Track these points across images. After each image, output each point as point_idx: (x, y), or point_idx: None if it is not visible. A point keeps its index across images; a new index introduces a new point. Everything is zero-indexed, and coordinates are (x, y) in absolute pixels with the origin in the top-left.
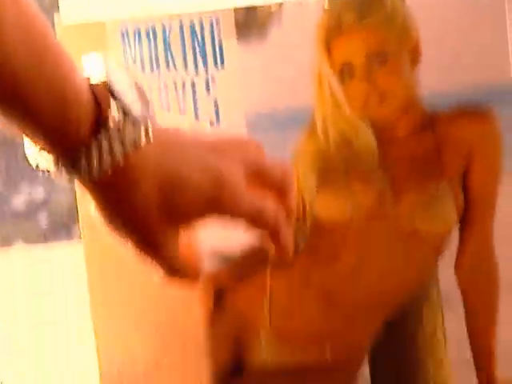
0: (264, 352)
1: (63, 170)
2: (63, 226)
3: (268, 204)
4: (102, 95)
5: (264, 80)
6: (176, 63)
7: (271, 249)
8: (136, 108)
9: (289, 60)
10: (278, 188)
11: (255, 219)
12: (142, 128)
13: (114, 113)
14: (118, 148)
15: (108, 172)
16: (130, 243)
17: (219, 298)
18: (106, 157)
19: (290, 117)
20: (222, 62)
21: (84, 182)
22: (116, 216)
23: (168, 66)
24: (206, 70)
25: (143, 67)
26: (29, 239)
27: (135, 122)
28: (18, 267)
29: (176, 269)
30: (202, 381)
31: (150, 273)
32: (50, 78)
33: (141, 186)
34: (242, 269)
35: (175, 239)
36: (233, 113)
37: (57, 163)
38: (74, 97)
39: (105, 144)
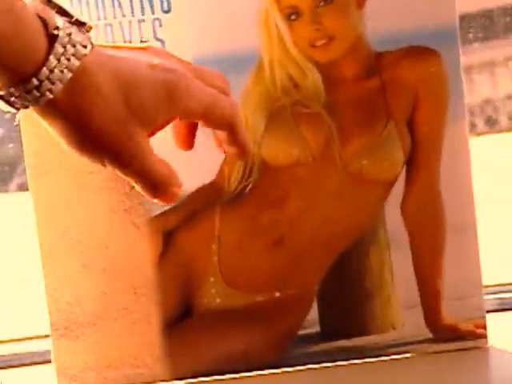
0: (214, 296)
1: (22, 97)
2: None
3: (222, 95)
4: (48, 12)
5: (210, 24)
6: (123, 5)
7: (231, 148)
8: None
9: (234, 4)
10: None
11: (213, 111)
12: (87, 34)
13: (60, 23)
14: (71, 52)
15: (68, 80)
16: (105, 163)
17: (168, 243)
18: (64, 64)
19: (236, 60)
20: (169, 6)
21: (46, 107)
22: (85, 137)
23: (116, 8)
24: (153, 13)
25: (98, 10)
26: None
27: (80, 29)
28: None
29: (156, 183)
30: (152, 324)
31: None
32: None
33: (101, 90)
34: (190, 209)
35: (147, 148)
36: (182, 54)
37: (13, 93)
38: (23, 25)
39: (60, 52)
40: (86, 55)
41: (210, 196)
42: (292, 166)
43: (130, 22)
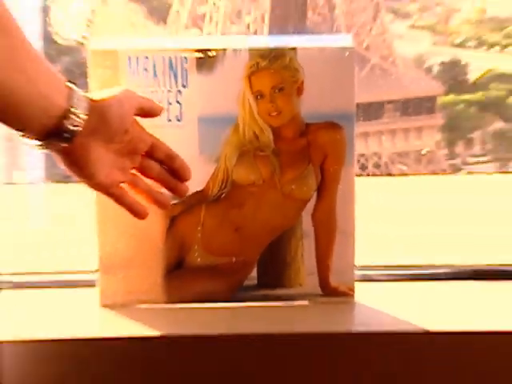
0: (196, 257)
1: (39, 144)
2: None
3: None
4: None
5: (211, 96)
6: (159, 81)
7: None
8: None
9: (226, 85)
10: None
11: (160, 144)
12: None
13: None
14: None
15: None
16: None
17: (171, 223)
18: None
19: (224, 119)
20: (187, 83)
21: (53, 152)
22: (73, 170)
23: (153, 82)
24: (177, 87)
25: (140, 81)
26: None
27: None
28: None
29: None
30: (158, 270)
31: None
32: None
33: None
34: (188, 204)
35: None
36: (190, 114)
37: (33, 141)
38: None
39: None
40: (86, 107)
41: (200, 197)
42: (249, 185)
43: (162, 91)
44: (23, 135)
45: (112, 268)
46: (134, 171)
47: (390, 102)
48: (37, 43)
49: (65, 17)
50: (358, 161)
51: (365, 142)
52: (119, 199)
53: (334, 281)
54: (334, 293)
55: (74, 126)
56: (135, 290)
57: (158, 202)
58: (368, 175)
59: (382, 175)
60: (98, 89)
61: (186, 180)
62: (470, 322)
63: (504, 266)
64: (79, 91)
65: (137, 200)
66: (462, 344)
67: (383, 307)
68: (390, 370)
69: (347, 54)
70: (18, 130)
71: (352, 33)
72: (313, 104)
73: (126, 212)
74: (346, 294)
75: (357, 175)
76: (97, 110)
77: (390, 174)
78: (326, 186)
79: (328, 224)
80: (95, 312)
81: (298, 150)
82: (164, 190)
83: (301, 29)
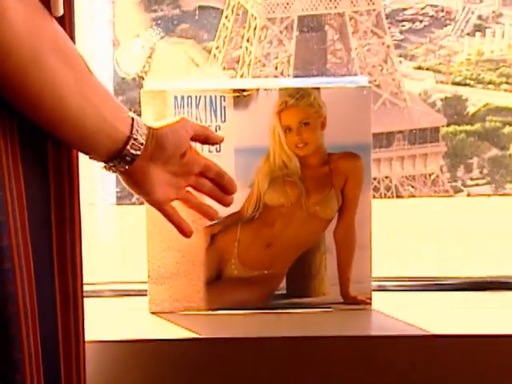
0: (233, 269)
1: (104, 165)
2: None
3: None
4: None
5: (246, 129)
6: (201, 117)
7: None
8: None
9: (259, 120)
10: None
11: (211, 165)
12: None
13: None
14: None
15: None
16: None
17: (211, 240)
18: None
19: (257, 150)
20: (225, 118)
21: (116, 172)
22: (132, 188)
23: (196, 117)
24: (216, 122)
25: (184, 114)
26: None
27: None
28: None
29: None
30: (200, 281)
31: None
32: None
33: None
34: (226, 223)
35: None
36: (229, 146)
37: (98, 162)
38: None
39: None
40: (145, 133)
41: (236, 218)
42: (279, 207)
43: (209, 126)
44: (90, 157)
45: (159, 279)
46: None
47: (399, 132)
48: (105, 77)
49: (128, 54)
50: (372, 183)
51: (377, 167)
52: (170, 216)
53: (353, 290)
54: (354, 301)
55: (135, 150)
56: (180, 298)
57: (207, 215)
58: (380, 196)
59: (392, 197)
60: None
61: (232, 193)
62: (473, 327)
63: (503, 277)
64: (139, 120)
65: (184, 220)
66: (466, 346)
67: (397, 314)
68: (403, 369)
69: (365, 92)
70: (85, 153)
71: (366, 72)
72: (334, 136)
73: (172, 229)
74: (364, 302)
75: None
76: (154, 136)
77: (399, 196)
78: (346, 208)
79: (348, 240)
80: (145, 318)
81: (321, 176)
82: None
83: (322, 69)
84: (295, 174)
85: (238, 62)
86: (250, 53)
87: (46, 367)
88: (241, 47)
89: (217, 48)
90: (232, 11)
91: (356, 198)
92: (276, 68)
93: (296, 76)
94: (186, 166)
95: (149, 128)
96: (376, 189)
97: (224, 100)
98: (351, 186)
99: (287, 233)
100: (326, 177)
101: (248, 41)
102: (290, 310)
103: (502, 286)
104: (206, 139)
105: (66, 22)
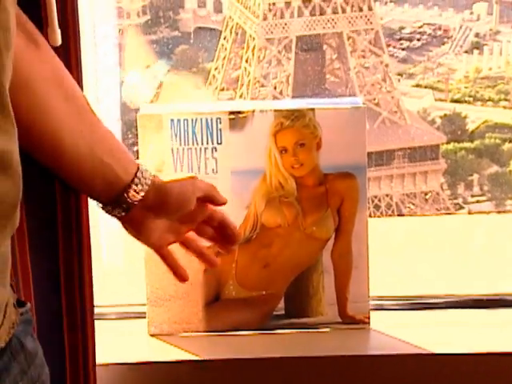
0: (231, 290)
1: (101, 207)
2: None
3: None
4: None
5: (242, 151)
6: (197, 139)
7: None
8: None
9: (255, 142)
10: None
11: (216, 214)
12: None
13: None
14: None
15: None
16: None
17: None
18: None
19: (253, 171)
20: (221, 141)
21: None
22: (128, 231)
23: (193, 140)
24: (212, 144)
25: (181, 140)
26: None
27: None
28: None
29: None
30: (198, 303)
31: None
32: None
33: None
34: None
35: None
36: (225, 168)
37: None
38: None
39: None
40: (148, 184)
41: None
42: (276, 228)
43: (200, 148)
44: (90, 198)
45: (158, 301)
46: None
47: (399, 149)
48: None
49: (136, 86)
50: (372, 201)
51: (378, 185)
52: (166, 260)
53: (351, 310)
54: (352, 321)
55: (132, 199)
56: (179, 320)
57: (208, 262)
58: (382, 214)
59: (393, 215)
60: (146, 147)
61: (236, 243)
62: (471, 345)
63: (501, 295)
64: (146, 170)
65: (180, 264)
66: (465, 364)
67: (395, 333)
68: None
69: (359, 113)
70: (82, 192)
71: (365, 91)
72: (330, 157)
73: None
74: (362, 322)
75: (372, 215)
76: (158, 189)
77: (400, 214)
78: (343, 228)
79: (345, 260)
80: (144, 340)
81: (317, 196)
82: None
83: (320, 89)
84: (292, 195)
85: (236, 82)
86: (249, 73)
87: None
88: (240, 68)
89: (216, 69)
90: (230, 32)
91: (352, 217)
92: (275, 88)
93: (295, 96)
94: (189, 216)
95: (154, 180)
96: (377, 207)
97: (220, 122)
98: (347, 205)
99: (284, 253)
100: (322, 197)
101: (247, 61)
102: (288, 330)
103: (501, 304)
104: (212, 201)
105: (72, 51)
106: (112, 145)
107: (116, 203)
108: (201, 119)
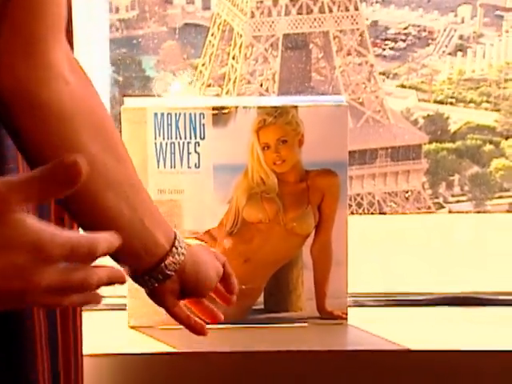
0: None
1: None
2: None
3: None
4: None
5: (225, 146)
6: (180, 134)
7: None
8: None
9: (238, 138)
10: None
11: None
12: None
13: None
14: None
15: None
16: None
17: None
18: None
19: (236, 167)
20: (204, 136)
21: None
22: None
23: (176, 134)
24: (195, 139)
25: (164, 134)
26: None
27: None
28: None
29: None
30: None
31: None
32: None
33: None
34: (206, 238)
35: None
36: (208, 163)
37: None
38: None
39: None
40: (184, 254)
41: (215, 233)
42: (257, 223)
43: (183, 142)
44: (121, 265)
45: (139, 293)
46: None
47: (381, 148)
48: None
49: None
50: (355, 199)
51: (360, 183)
52: (178, 318)
53: (329, 305)
54: (330, 316)
55: (170, 270)
56: (159, 312)
57: (212, 318)
58: (364, 212)
59: (375, 213)
60: (129, 140)
61: (234, 293)
62: (447, 342)
63: (477, 293)
64: (182, 238)
65: (194, 318)
66: (440, 361)
67: (372, 329)
68: (377, 383)
69: (341, 110)
70: (116, 260)
71: (349, 90)
72: (312, 154)
73: None
74: (340, 317)
75: (354, 213)
76: (192, 263)
77: (382, 213)
78: (323, 224)
79: (324, 256)
80: (124, 332)
81: (298, 192)
82: None
83: (305, 87)
84: (273, 191)
85: (223, 78)
86: (236, 70)
87: None
88: (226, 64)
89: (203, 65)
90: (218, 29)
91: (333, 214)
92: (261, 85)
93: (280, 93)
94: None
95: (188, 249)
96: (359, 204)
97: (203, 117)
98: (328, 202)
99: (265, 248)
100: (303, 193)
101: (234, 58)
102: (267, 324)
103: (476, 302)
104: (226, 287)
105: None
106: (152, 208)
107: (152, 273)
108: (184, 114)
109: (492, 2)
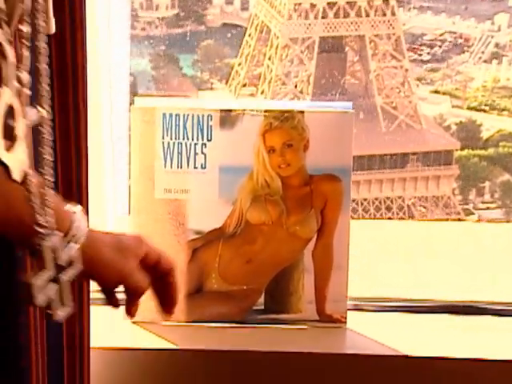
0: (214, 283)
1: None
2: None
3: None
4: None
5: (231, 148)
6: (188, 134)
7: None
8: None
9: (244, 140)
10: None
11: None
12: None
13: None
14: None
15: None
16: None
17: (193, 254)
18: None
19: (241, 169)
20: (211, 137)
21: None
22: None
23: (184, 135)
24: (203, 140)
25: (172, 134)
26: None
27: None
28: None
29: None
30: (181, 293)
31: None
32: None
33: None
34: (208, 238)
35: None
36: (214, 164)
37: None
38: None
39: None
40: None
41: (218, 234)
42: (260, 225)
43: (190, 144)
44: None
45: None
46: None
47: (413, 153)
48: None
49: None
50: (384, 202)
51: (391, 187)
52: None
53: (329, 309)
54: (329, 319)
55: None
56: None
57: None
58: (393, 216)
59: (404, 217)
60: (138, 139)
61: (173, 296)
62: (443, 349)
63: (476, 302)
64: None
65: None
66: (437, 368)
67: (371, 334)
68: None
69: (347, 117)
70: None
71: (383, 94)
72: (316, 158)
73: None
74: (339, 321)
75: (383, 217)
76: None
77: (411, 217)
78: (325, 229)
79: (326, 260)
80: (126, 327)
81: (302, 196)
82: None
83: (340, 89)
84: (277, 194)
85: (259, 79)
86: (271, 71)
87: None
88: (262, 65)
89: (239, 65)
90: (255, 29)
91: (335, 219)
92: (296, 86)
93: (314, 95)
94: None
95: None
96: (389, 208)
97: (211, 119)
98: (331, 207)
99: (267, 250)
100: (306, 197)
101: (269, 59)
102: (267, 325)
103: (475, 311)
104: (158, 265)
105: (78, 40)
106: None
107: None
108: (192, 115)
109: None
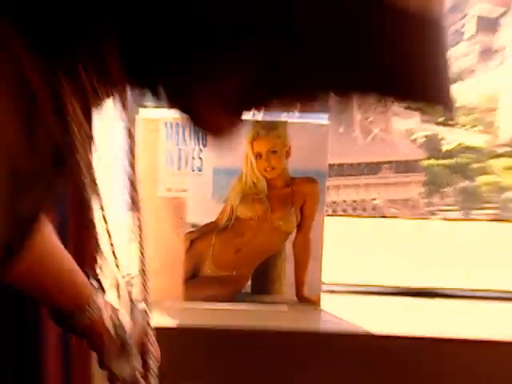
0: (208, 269)
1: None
2: None
3: None
4: None
5: (224, 153)
6: (186, 141)
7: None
8: None
9: (235, 146)
10: None
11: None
12: None
13: None
14: None
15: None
16: None
17: (190, 244)
18: None
19: (232, 171)
20: (206, 143)
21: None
22: None
23: (183, 142)
24: (199, 146)
25: (173, 140)
26: None
27: None
28: None
29: None
30: (179, 277)
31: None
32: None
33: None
34: (203, 231)
35: None
36: (208, 166)
37: None
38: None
39: None
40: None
41: (212, 227)
42: (248, 220)
43: (188, 149)
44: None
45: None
46: None
47: (386, 162)
48: None
49: None
50: (362, 202)
51: (367, 191)
52: None
53: (306, 292)
54: (306, 301)
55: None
56: (162, 291)
57: None
58: (369, 216)
59: (377, 216)
60: (144, 147)
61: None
62: (407, 328)
63: (436, 288)
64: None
65: None
66: (399, 345)
67: (342, 314)
68: (345, 362)
69: (323, 129)
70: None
71: (360, 110)
72: (297, 163)
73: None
74: (315, 303)
75: (358, 216)
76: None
77: (383, 216)
78: (304, 224)
79: (304, 250)
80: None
81: (284, 196)
82: None
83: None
84: (263, 193)
85: None
86: None
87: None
88: None
89: None
90: None
91: (312, 216)
92: None
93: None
94: None
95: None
96: (364, 209)
97: None
98: (309, 205)
99: (254, 242)
100: (288, 197)
101: None
102: (253, 305)
103: (437, 294)
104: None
105: None
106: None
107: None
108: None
109: None
